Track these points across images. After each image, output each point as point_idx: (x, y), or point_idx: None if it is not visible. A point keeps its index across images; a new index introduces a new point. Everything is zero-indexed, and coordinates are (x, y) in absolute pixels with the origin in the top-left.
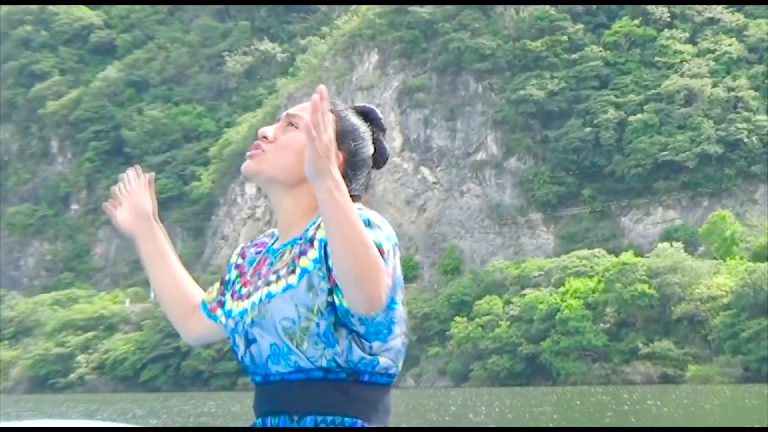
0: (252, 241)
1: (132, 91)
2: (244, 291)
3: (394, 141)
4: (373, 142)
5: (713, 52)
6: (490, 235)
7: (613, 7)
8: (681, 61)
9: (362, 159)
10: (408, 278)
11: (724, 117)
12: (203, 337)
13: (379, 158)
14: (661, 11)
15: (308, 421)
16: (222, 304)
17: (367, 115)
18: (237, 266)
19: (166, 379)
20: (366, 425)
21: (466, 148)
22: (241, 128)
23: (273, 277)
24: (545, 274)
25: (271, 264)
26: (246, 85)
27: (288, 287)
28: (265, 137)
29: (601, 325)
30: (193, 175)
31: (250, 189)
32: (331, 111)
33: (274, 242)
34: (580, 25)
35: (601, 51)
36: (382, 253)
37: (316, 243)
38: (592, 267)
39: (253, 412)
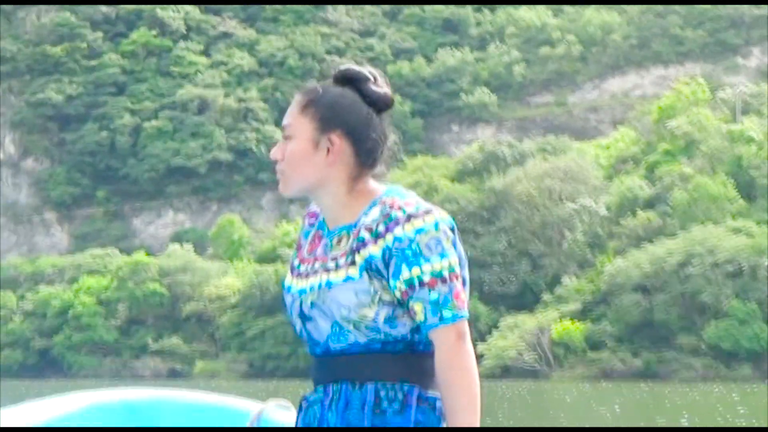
0: (307, 208)
1: None
2: (302, 269)
3: None
4: (365, 98)
5: (226, 64)
6: (5, 233)
7: (132, 17)
8: (195, 72)
9: (362, 129)
10: None
11: (235, 126)
12: None
13: (381, 105)
14: (177, 24)
15: (368, 388)
16: None
17: (344, 77)
18: (303, 233)
19: None
20: (422, 391)
21: None
22: None
23: (332, 265)
24: (59, 271)
25: (327, 247)
26: None
27: (348, 279)
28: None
29: (113, 321)
30: None
31: None
32: (310, 101)
33: (324, 219)
34: (100, 33)
35: (119, 59)
36: (444, 279)
37: (380, 244)
38: (105, 266)
39: (312, 381)
